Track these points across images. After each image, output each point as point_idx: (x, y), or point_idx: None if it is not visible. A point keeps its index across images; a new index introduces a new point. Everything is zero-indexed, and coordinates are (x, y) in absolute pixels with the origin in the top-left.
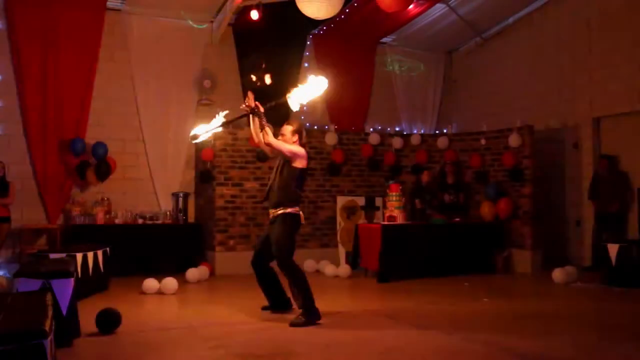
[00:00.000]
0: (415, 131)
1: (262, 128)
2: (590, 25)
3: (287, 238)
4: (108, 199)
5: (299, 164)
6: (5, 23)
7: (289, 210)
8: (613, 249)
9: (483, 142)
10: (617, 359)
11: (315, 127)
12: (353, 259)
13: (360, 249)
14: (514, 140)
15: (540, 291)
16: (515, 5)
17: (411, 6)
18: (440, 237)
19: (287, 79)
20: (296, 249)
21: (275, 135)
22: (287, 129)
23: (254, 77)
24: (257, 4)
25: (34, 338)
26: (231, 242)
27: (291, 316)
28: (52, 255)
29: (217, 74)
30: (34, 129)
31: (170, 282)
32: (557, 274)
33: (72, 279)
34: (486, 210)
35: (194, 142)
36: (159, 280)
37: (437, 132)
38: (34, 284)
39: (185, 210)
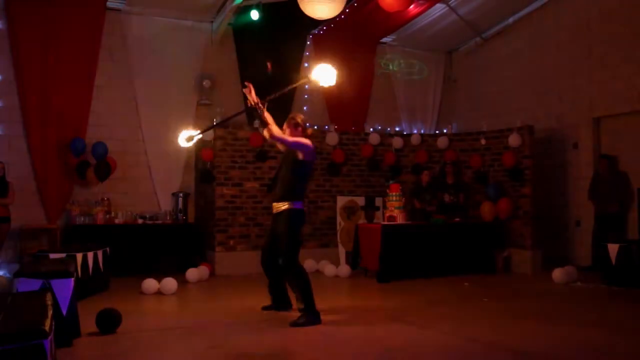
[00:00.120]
0: (415, 131)
1: (265, 125)
2: (590, 25)
3: (292, 236)
4: (108, 199)
5: (306, 156)
6: (5, 23)
7: (294, 205)
8: (613, 249)
9: (483, 142)
10: (617, 358)
11: (316, 127)
12: (353, 259)
13: (360, 249)
14: (514, 140)
15: (540, 291)
16: (515, 5)
17: (411, 6)
18: (440, 237)
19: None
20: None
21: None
22: (289, 123)
23: (268, 64)
24: (257, 4)
25: (34, 338)
26: (231, 242)
27: (291, 316)
28: (52, 255)
29: (217, 74)
30: (34, 129)
31: (170, 283)
32: (557, 274)
33: (72, 279)
34: (486, 210)
35: (188, 144)
36: (159, 281)
37: (437, 132)
38: (34, 284)
39: (185, 210)
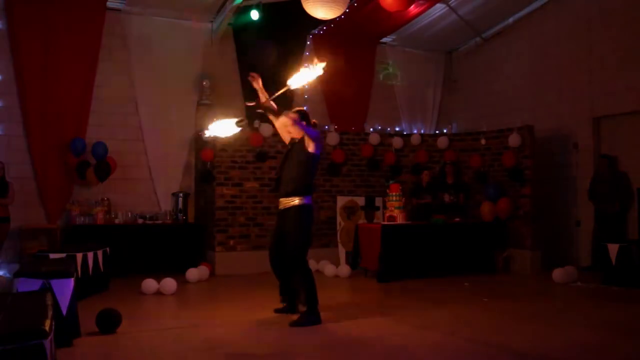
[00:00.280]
0: (415, 131)
1: (277, 114)
2: (590, 25)
3: (302, 234)
4: (108, 199)
5: (317, 149)
6: (5, 23)
7: (304, 201)
8: (613, 249)
9: (483, 142)
10: (617, 359)
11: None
12: (353, 259)
13: (360, 249)
14: (514, 140)
15: (540, 291)
16: (515, 5)
17: (412, 6)
18: (440, 237)
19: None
20: None
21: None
22: (291, 119)
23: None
24: (257, 4)
25: (34, 338)
26: (231, 242)
27: (292, 316)
28: (52, 255)
29: (217, 74)
30: (34, 129)
31: (169, 283)
32: (557, 274)
33: (72, 279)
34: (486, 210)
35: (239, 128)
36: (158, 281)
37: (437, 132)
38: (34, 284)
39: (185, 210)
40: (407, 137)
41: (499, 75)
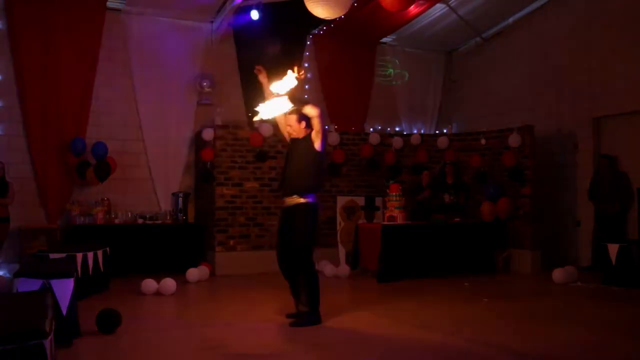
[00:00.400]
0: (415, 131)
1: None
2: (590, 25)
3: (308, 234)
4: (108, 199)
5: (322, 147)
6: (5, 23)
7: (310, 199)
8: (613, 249)
9: (483, 142)
10: (617, 358)
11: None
12: (353, 259)
13: (360, 249)
14: (514, 140)
15: (540, 291)
16: (515, 5)
17: (412, 6)
18: (440, 237)
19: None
20: None
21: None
22: (292, 118)
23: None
24: (257, 4)
25: (34, 338)
26: (231, 242)
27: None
28: (52, 255)
29: (216, 74)
30: (34, 129)
31: (169, 283)
32: (557, 274)
33: (72, 279)
34: (486, 210)
35: (255, 119)
36: (158, 281)
37: (437, 132)
38: (34, 284)
39: (185, 210)
40: (407, 137)
41: (499, 75)
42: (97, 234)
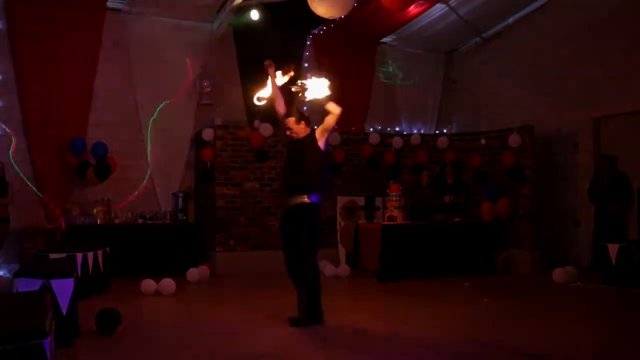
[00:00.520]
0: (415, 131)
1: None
2: (590, 25)
3: (312, 235)
4: (108, 199)
5: (326, 147)
6: (5, 23)
7: (313, 198)
8: (613, 249)
9: (483, 142)
10: (617, 358)
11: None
12: (353, 259)
13: (360, 249)
14: (514, 140)
15: (540, 291)
16: (515, 5)
17: (412, 6)
18: (440, 237)
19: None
20: None
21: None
22: (291, 121)
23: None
24: (257, 4)
25: (34, 338)
26: (231, 242)
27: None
28: (52, 255)
29: (217, 74)
30: (34, 129)
31: (168, 283)
32: (557, 274)
33: (72, 279)
34: (486, 210)
35: (259, 103)
36: (157, 281)
37: (437, 132)
38: (34, 284)
39: (185, 210)
40: (407, 137)
41: (499, 75)
42: (97, 234)
